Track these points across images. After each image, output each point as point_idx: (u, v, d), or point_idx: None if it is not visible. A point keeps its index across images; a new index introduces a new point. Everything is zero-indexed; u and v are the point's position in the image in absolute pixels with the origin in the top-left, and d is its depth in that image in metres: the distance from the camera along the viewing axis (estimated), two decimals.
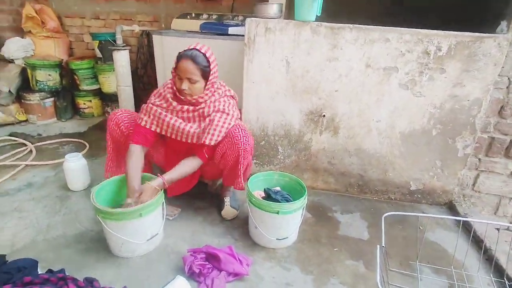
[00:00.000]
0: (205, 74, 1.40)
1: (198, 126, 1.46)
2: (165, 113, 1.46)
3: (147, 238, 1.36)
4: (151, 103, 1.50)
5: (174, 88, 1.46)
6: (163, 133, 1.50)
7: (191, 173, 1.51)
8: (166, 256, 1.38)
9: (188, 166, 1.48)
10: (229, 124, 1.45)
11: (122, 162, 1.61)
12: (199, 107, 1.45)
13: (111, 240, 1.35)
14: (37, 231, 1.49)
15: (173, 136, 1.50)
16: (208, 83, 1.43)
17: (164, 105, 1.48)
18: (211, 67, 1.40)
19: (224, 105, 1.46)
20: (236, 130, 1.44)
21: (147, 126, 1.49)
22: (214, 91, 1.47)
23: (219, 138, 1.43)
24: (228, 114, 1.46)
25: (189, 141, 1.48)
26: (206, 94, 1.44)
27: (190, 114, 1.46)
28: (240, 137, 1.43)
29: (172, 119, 1.46)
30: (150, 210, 1.32)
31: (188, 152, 1.54)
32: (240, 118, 1.67)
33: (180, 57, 1.38)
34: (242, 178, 1.51)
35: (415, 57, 1.61)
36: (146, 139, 1.50)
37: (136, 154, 1.46)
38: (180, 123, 1.46)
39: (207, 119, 1.45)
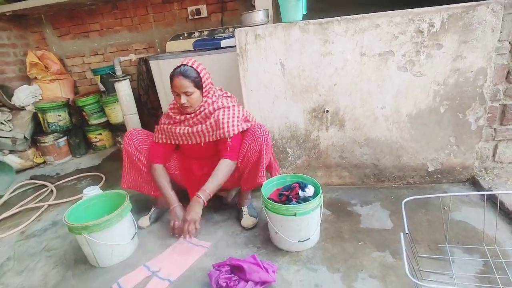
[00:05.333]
0: (198, 84, 1.51)
1: (204, 124, 1.56)
2: (172, 127, 1.61)
3: (130, 238, 1.54)
4: (161, 123, 1.67)
5: (177, 105, 1.62)
6: (177, 143, 1.65)
7: (227, 178, 1.56)
8: (192, 274, 1.39)
9: (222, 171, 1.54)
10: (238, 113, 1.56)
11: (137, 175, 1.73)
12: (199, 110, 1.56)
13: (99, 253, 1.46)
14: (66, 267, 1.53)
15: (187, 142, 1.62)
16: (203, 91, 1.54)
17: (171, 121, 1.63)
18: (201, 75, 1.51)
19: (222, 102, 1.57)
20: (256, 126, 1.56)
21: (161, 141, 1.66)
22: (212, 95, 1.58)
23: (236, 128, 1.53)
24: (228, 107, 1.57)
25: (202, 140, 1.59)
26: (206, 101, 1.56)
27: (195, 119, 1.57)
28: (262, 132, 1.54)
29: (181, 129, 1.59)
30: (127, 212, 1.52)
31: (207, 158, 1.66)
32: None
33: (172, 75, 1.50)
34: (264, 172, 1.58)
35: (409, 37, 1.59)
36: (159, 158, 1.67)
37: (159, 169, 1.66)
38: (187, 129, 1.58)
39: (212, 118, 1.54)
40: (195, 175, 1.71)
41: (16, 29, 3.21)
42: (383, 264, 1.32)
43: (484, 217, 1.35)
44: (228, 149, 1.55)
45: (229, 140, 1.54)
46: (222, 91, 1.65)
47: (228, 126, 1.52)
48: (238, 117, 1.56)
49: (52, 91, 3.15)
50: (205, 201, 1.49)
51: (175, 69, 1.50)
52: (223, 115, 1.54)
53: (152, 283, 1.35)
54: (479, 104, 1.66)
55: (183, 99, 1.50)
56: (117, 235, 1.47)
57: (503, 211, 1.51)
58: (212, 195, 1.52)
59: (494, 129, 1.79)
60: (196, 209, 1.47)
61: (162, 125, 1.65)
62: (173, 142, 1.66)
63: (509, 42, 1.60)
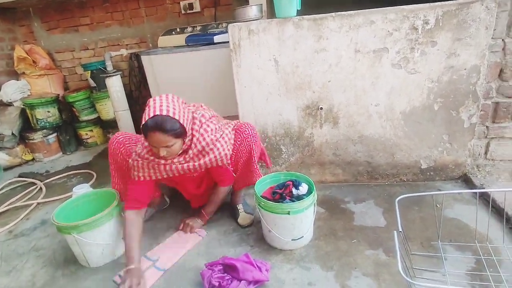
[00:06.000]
0: (179, 134, 1.26)
1: (199, 163, 1.42)
2: (156, 164, 1.39)
3: (121, 236, 1.49)
4: (136, 160, 1.41)
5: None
6: (166, 177, 1.45)
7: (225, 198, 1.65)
8: (184, 273, 1.37)
9: (220, 197, 1.65)
10: (228, 141, 1.47)
11: (127, 178, 1.60)
12: (187, 155, 1.38)
13: (89, 252, 1.43)
14: (55, 267, 1.50)
15: (179, 175, 1.46)
16: (186, 137, 1.33)
17: (151, 163, 1.40)
18: (182, 122, 1.25)
19: (206, 135, 1.38)
20: (243, 126, 1.53)
21: (144, 178, 1.43)
22: (193, 131, 1.36)
23: (229, 154, 1.48)
24: (218, 140, 1.41)
25: (200, 171, 1.49)
26: (190, 140, 1.36)
27: (182, 160, 1.40)
28: (249, 132, 1.52)
29: (168, 166, 1.39)
30: (117, 211, 1.48)
31: (200, 178, 1.63)
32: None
33: (146, 129, 1.21)
34: (258, 170, 1.60)
35: (404, 34, 1.58)
36: (138, 201, 1.45)
37: (131, 222, 1.40)
38: (181, 166, 1.39)
39: (205, 157, 1.41)
40: (193, 194, 1.71)
41: (3, 22, 3.12)
42: (377, 262, 1.32)
43: (476, 214, 1.36)
44: (222, 177, 1.57)
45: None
46: (194, 113, 1.39)
47: (222, 160, 1.44)
48: (229, 148, 1.45)
49: (40, 87, 3.08)
50: (204, 222, 1.67)
51: (148, 120, 1.19)
52: (218, 152, 1.41)
53: (148, 273, 1.36)
54: (472, 102, 1.66)
55: (163, 152, 1.27)
56: (108, 234, 1.45)
57: (495, 209, 1.52)
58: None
59: (487, 126, 1.80)
60: (196, 224, 1.63)
61: (140, 161, 1.39)
62: (159, 177, 1.44)
63: (503, 40, 1.60)
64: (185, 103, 1.35)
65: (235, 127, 1.55)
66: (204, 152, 1.40)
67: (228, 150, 1.46)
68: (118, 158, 1.55)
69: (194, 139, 1.36)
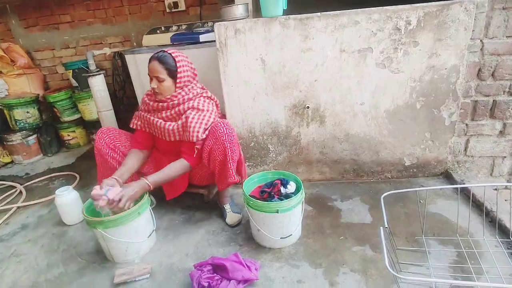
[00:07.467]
0: (172, 73, 1.46)
1: (176, 123, 1.52)
2: (148, 115, 1.59)
3: (147, 235, 1.50)
4: (139, 109, 1.66)
5: (151, 92, 1.57)
6: (152, 132, 1.63)
7: (177, 177, 1.53)
8: (173, 275, 1.36)
9: (173, 168, 1.50)
10: (208, 119, 1.50)
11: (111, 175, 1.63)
12: (172, 102, 1.50)
13: (114, 248, 1.44)
14: (37, 273, 1.45)
15: (159, 136, 1.59)
16: (177, 82, 1.48)
17: (146, 108, 1.61)
18: (178, 65, 1.46)
19: (198, 103, 1.52)
20: (218, 125, 1.48)
21: (138, 127, 1.64)
22: (188, 91, 1.52)
23: (200, 134, 1.47)
24: (202, 110, 1.51)
25: (171, 139, 1.56)
26: (179, 93, 1.50)
27: (168, 113, 1.53)
28: (224, 130, 1.46)
29: (154, 120, 1.56)
30: (145, 208, 1.46)
31: (176, 154, 1.59)
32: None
33: (150, 59, 1.48)
34: (233, 170, 1.53)
35: (387, 34, 1.62)
36: (139, 143, 1.63)
37: (130, 155, 1.56)
38: (161, 122, 1.55)
39: (183, 117, 1.50)
40: None
41: None
42: (364, 258, 1.35)
43: (458, 209, 1.40)
44: (187, 150, 1.53)
45: (196, 145, 1.50)
46: (203, 89, 1.59)
47: (193, 131, 1.46)
48: (206, 123, 1.48)
49: (19, 86, 2.97)
50: (138, 190, 1.39)
51: (155, 53, 1.49)
52: (193, 117, 1.48)
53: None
54: (452, 100, 1.71)
55: (154, 84, 1.47)
56: (133, 233, 1.43)
57: (475, 203, 1.57)
58: (152, 188, 1.44)
59: (466, 124, 1.86)
60: (136, 187, 1.39)
61: (139, 112, 1.64)
62: (148, 130, 1.63)
63: (481, 41, 1.66)
64: (191, 77, 1.54)
65: (213, 125, 1.50)
66: (185, 115, 1.50)
67: (198, 131, 1.46)
68: (101, 147, 1.61)
69: (186, 97, 1.51)
